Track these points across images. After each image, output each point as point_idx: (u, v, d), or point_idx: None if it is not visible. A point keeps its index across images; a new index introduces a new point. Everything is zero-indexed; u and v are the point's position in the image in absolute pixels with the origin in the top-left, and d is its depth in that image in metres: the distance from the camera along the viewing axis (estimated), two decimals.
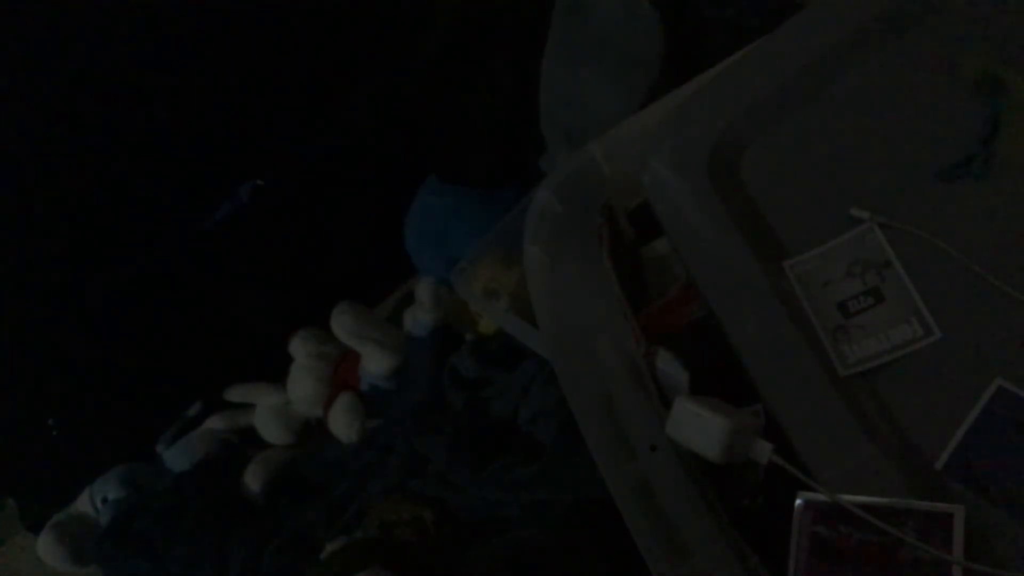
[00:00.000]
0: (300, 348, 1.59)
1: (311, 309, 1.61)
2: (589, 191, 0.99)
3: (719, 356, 0.82)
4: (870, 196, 0.81)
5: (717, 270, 0.85)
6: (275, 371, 1.62)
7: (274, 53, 1.50)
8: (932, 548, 0.67)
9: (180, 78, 1.46)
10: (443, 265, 1.42)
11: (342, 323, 1.56)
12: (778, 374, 0.79)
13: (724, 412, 0.76)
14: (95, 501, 1.62)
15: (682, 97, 0.95)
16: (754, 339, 0.81)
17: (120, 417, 1.68)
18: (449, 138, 1.58)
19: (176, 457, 1.62)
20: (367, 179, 1.62)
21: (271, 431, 1.61)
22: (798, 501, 0.73)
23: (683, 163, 0.88)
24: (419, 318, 1.50)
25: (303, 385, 1.57)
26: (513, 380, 1.27)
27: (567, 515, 1.12)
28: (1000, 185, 0.77)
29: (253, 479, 1.51)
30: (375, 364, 1.52)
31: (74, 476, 1.67)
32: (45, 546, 1.59)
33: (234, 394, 1.65)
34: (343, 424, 1.52)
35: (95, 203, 1.50)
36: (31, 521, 1.69)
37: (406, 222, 1.57)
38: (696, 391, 0.83)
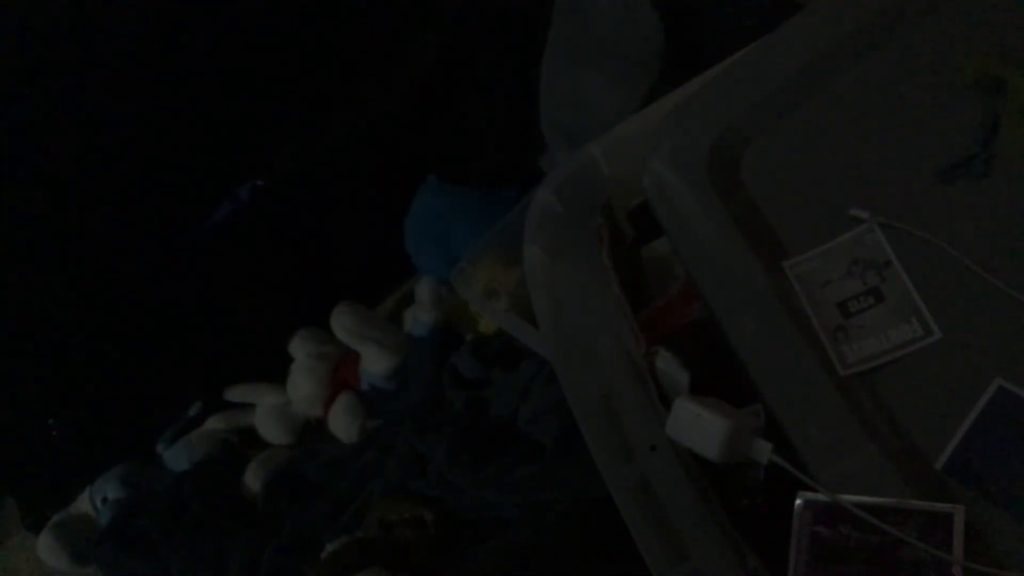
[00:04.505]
0: (300, 348, 1.59)
1: (311, 309, 1.61)
2: (589, 191, 0.99)
3: (719, 356, 0.82)
4: (870, 196, 0.81)
5: (717, 270, 0.85)
6: (275, 371, 1.62)
7: (274, 53, 1.50)
8: (932, 548, 0.67)
9: (180, 78, 1.46)
10: (443, 265, 1.42)
11: (342, 323, 1.56)
12: (778, 374, 0.79)
13: (724, 412, 0.76)
14: (95, 501, 1.62)
15: (682, 97, 0.95)
16: (754, 339, 0.81)
17: (120, 417, 1.68)
18: (449, 138, 1.58)
19: (176, 457, 1.62)
20: (367, 179, 1.63)
21: (271, 431, 1.61)
22: (798, 501, 0.73)
23: (683, 163, 0.88)
24: (419, 318, 1.50)
25: (303, 385, 1.57)
26: (513, 380, 1.27)
27: (567, 515, 1.12)
28: (1000, 185, 0.77)
29: (253, 479, 1.51)
30: (375, 364, 1.52)
31: (74, 476, 1.67)
32: (45, 546, 1.59)
33: (234, 394, 1.65)
34: (343, 424, 1.52)
35: (95, 203, 1.50)
36: (31, 521, 1.69)
37: (406, 222, 1.57)
38: (696, 391, 0.83)
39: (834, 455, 0.74)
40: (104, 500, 1.61)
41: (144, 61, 1.43)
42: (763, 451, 0.75)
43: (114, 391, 1.64)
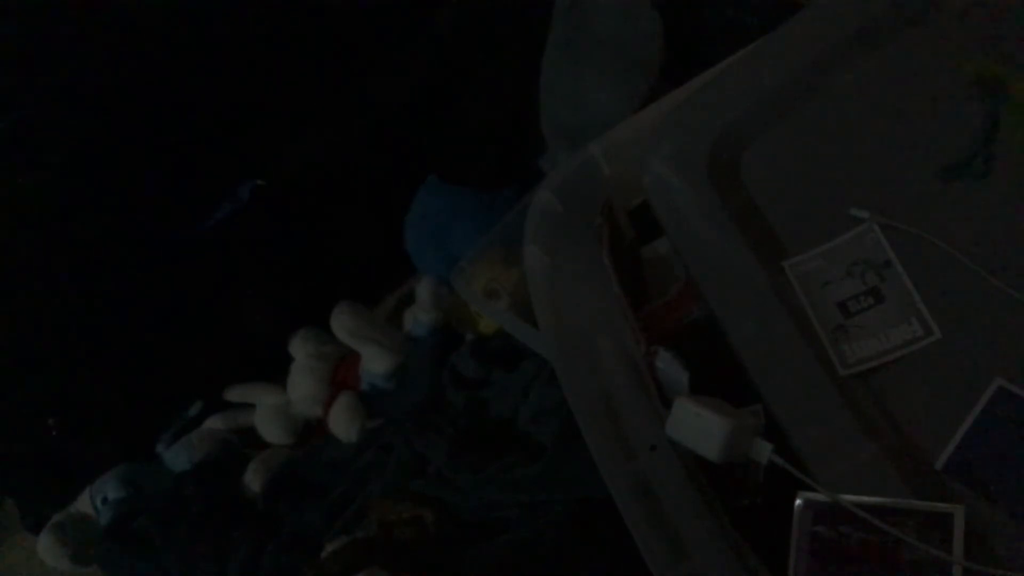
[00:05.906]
0: (300, 348, 1.59)
1: (311, 309, 1.61)
2: (589, 191, 0.99)
3: (719, 356, 0.82)
4: (870, 196, 0.81)
5: (717, 270, 0.85)
6: (275, 371, 1.62)
7: (274, 53, 1.50)
8: (932, 548, 0.67)
9: (180, 77, 1.46)
10: (443, 265, 1.42)
11: (342, 323, 1.56)
12: (778, 374, 0.79)
13: (724, 412, 0.76)
14: (95, 501, 1.62)
15: (682, 97, 0.95)
16: (754, 339, 0.81)
17: (120, 417, 1.68)
18: (449, 138, 1.58)
19: (176, 457, 1.62)
20: (367, 179, 1.62)
21: (271, 431, 1.61)
22: (798, 501, 0.73)
23: (683, 163, 0.88)
24: (419, 318, 1.50)
25: (303, 385, 1.57)
26: (513, 380, 1.27)
27: (567, 515, 1.12)
28: (1000, 185, 0.77)
29: (253, 479, 1.51)
30: (375, 364, 1.52)
31: (74, 476, 1.67)
32: (45, 546, 1.59)
33: (234, 394, 1.65)
34: (343, 424, 1.52)
35: (95, 203, 1.50)
36: (31, 521, 1.69)
37: (406, 222, 1.57)
38: (696, 391, 0.83)
39: (834, 455, 0.74)
40: (104, 500, 1.61)
41: (144, 60, 1.43)
42: (763, 451, 0.75)
43: (114, 391, 1.64)
